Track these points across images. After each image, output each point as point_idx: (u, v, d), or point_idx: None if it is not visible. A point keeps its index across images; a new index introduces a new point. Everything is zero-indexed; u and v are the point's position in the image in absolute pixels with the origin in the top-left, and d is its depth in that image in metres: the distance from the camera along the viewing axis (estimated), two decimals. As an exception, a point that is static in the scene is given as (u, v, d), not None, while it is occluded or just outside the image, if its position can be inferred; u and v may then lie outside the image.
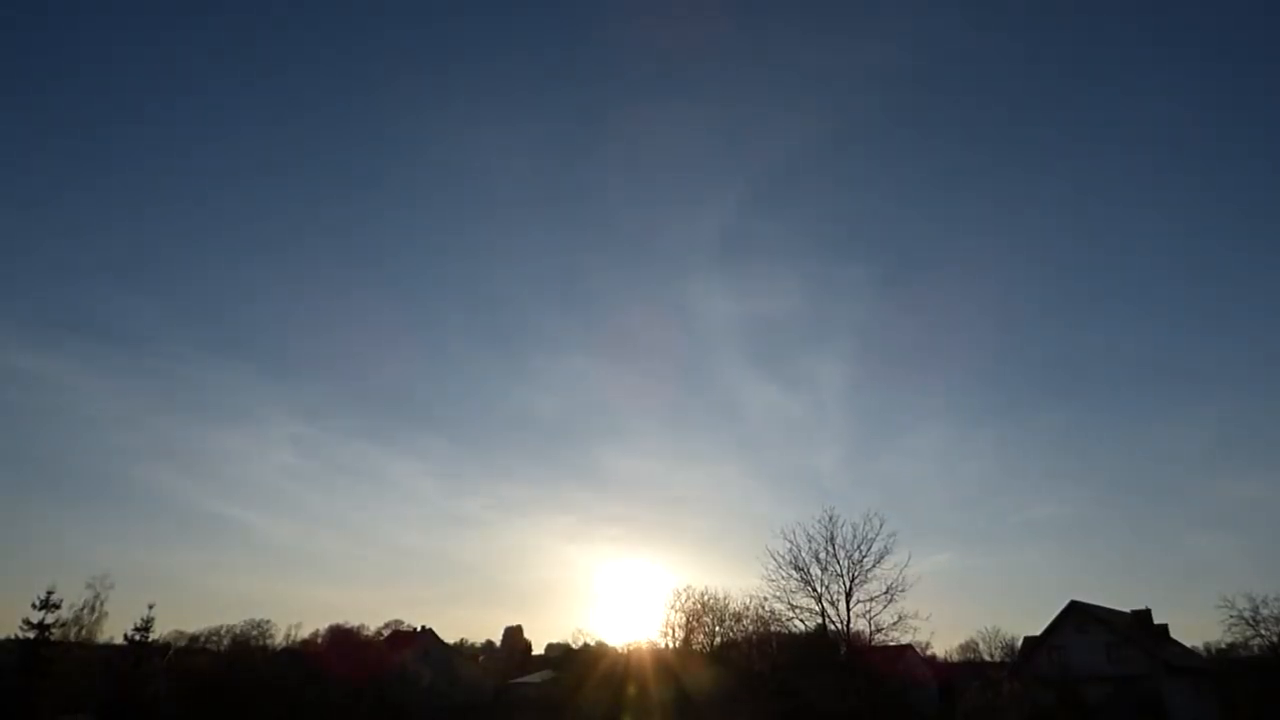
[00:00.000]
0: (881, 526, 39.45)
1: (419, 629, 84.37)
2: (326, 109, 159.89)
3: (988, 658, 78.99)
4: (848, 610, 39.22)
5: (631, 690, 52.51)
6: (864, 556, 39.18)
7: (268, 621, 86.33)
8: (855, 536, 39.65)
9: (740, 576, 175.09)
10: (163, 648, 61.91)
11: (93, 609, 45.58)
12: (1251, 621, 49.62)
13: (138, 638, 48.40)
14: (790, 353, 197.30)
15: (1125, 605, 56.38)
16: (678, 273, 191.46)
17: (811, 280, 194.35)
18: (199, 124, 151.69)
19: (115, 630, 50.72)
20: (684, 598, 61.15)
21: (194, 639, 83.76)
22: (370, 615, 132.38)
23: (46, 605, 43.13)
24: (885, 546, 38.96)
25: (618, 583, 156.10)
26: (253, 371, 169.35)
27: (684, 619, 60.51)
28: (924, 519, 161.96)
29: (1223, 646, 64.69)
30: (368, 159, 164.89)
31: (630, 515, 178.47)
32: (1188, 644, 57.54)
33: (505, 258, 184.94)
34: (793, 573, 40.51)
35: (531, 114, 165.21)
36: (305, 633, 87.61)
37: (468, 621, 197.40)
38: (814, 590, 40.10)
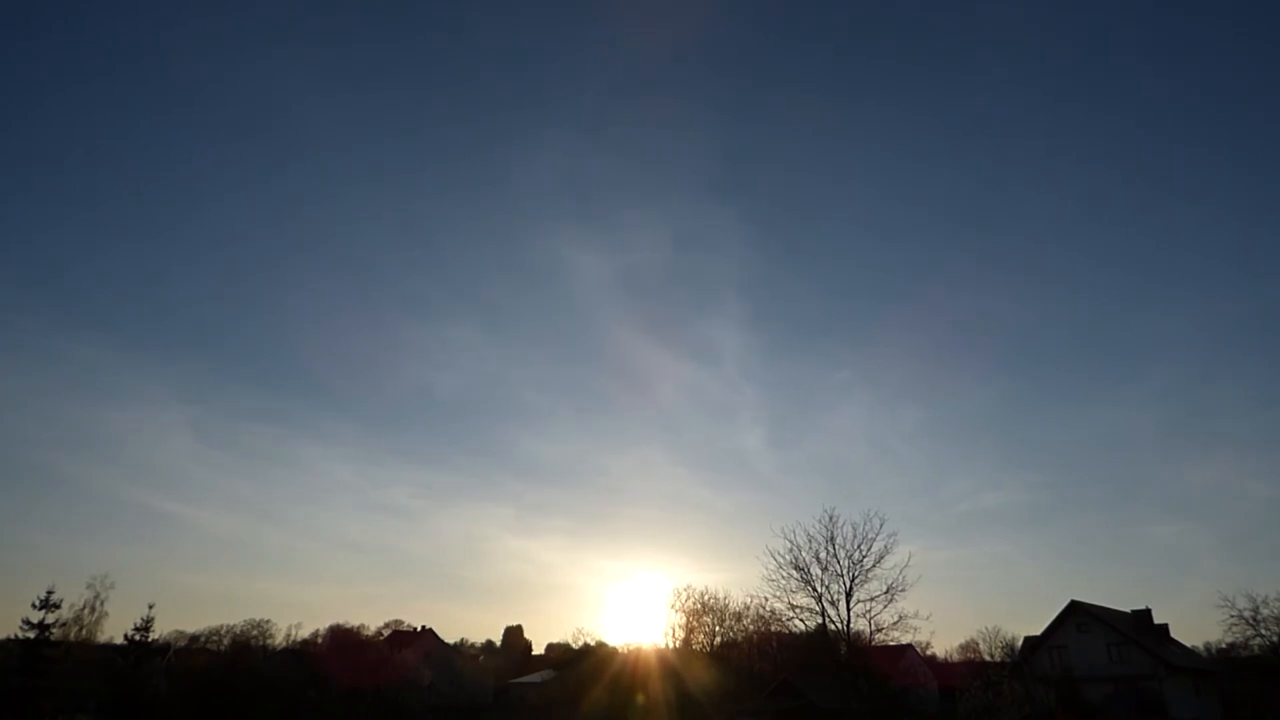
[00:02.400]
0: (882, 526, 39.44)
1: (419, 629, 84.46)
2: (165, 67, 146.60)
3: (988, 658, 78.91)
4: (848, 610, 39.14)
5: (632, 690, 52.51)
6: (864, 556, 39.11)
7: (268, 621, 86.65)
8: (855, 536, 39.62)
9: (694, 571, 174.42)
10: (163, 648, 61.90)
11: (92, 609, 45.60)
12: (1251, 621, 49.68)
13: (138, 638, 48.35)
14: (679, 317, 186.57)
15: (1125, 605, 56.53)
16: (530, 220, 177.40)
17: (679, 226, 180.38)
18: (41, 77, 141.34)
19: (115, 630, 50.90)
20: (684, 598, 61.31)
21: (194, 639, 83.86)
22: (370, 615, 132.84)
23: (46, 605, 43.10)
24: (885, 546, 38.91)
25: (574, 578, 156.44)
26: (115, 346, 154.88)
27: (684, 619, 60.65)
28: (870, 507, 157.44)
29: (1223, 646, 64.79)
30: (214, 119, 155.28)
31: (569, 506, 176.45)
32: (1188, 644, 57.56)
33: (356, 219, 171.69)
34: (793, 572, 40.40)
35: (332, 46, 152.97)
36: (305, 633, 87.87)
37: (468, 622, 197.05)
38: (814, 590, 39.97)
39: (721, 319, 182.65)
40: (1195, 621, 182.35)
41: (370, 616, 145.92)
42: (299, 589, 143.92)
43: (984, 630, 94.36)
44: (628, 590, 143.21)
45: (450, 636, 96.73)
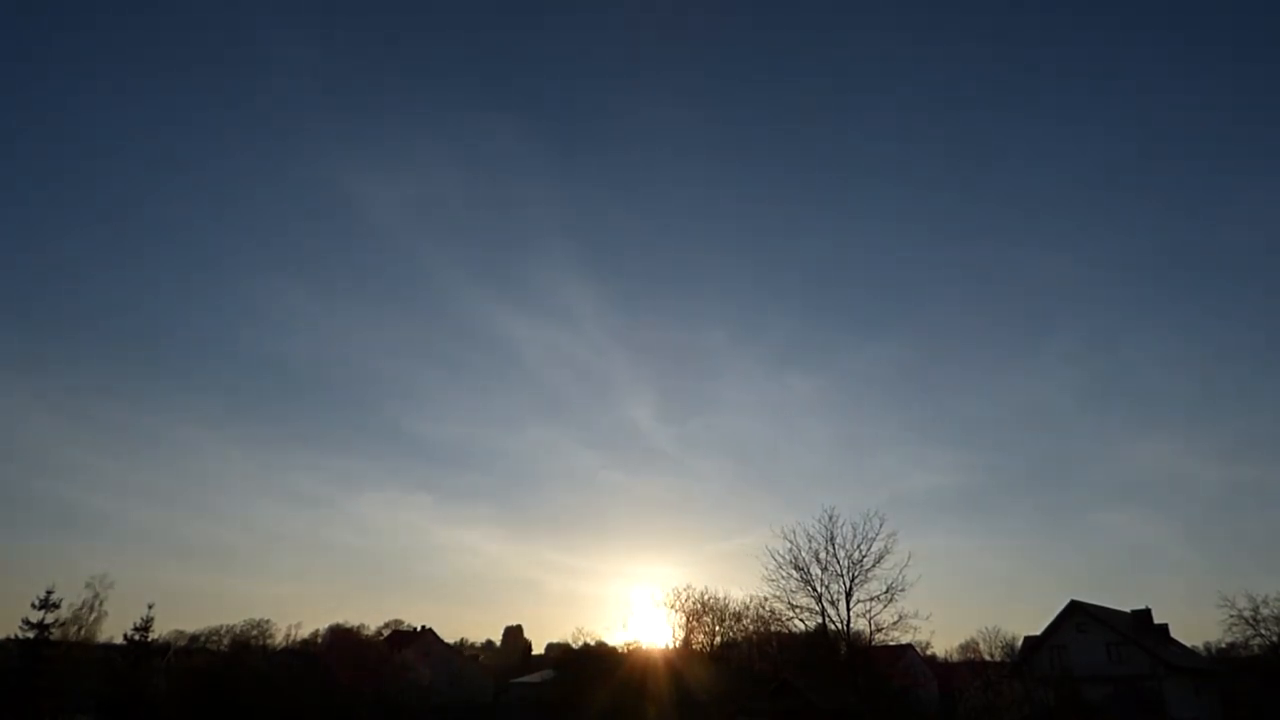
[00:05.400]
0: (881, 526, 39.49)
1: (419, 629, 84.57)
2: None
3: (988, 658, 79.09)
4: (848, 610, 39.16)
5: (632, 690, 52.47)
6: (864, 556, 39.13)
7: (268, 621, 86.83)
8: (855, 536, 39.66)
9: (640, 563, 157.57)
10: (162, 648, 61.93)
11: (91, 609, 45.55)
12: (1251, 621, 49.67)
13: (137, 638, 48.36)
14: (502, 259, 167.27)
15: (1125, 605, 56.58)
16: (294, 141, 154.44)
17: (457, 139, 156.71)
18: None
19: (114, 630, 50.87)
20: (684, 598, 61.28)
21: (194, 639, 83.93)
22: (370, 615, 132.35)
23: (46, 605, 43.14)
24: (885, 546, 38.95)
25: (527, 572, 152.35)
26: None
27: (684, 619, 60.62)
28: (796, 493, 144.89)
29: (1223, 646, 64.77)
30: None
31: (489, 492, 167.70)
32: (1188, 644, 57.57)
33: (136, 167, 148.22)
34: (793, 572, 40.47)
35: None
36: (305, 633, 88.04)
37: (467, 621, 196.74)
38: (814, 590, 40.01)
39: (555, 266, 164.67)
40: (1195, 621, 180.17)
41: (370, 616, 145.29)
42: (236, 582, 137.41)
43: (984, 630, 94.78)
44: (584, 586, 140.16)
45: (451, 637, 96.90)
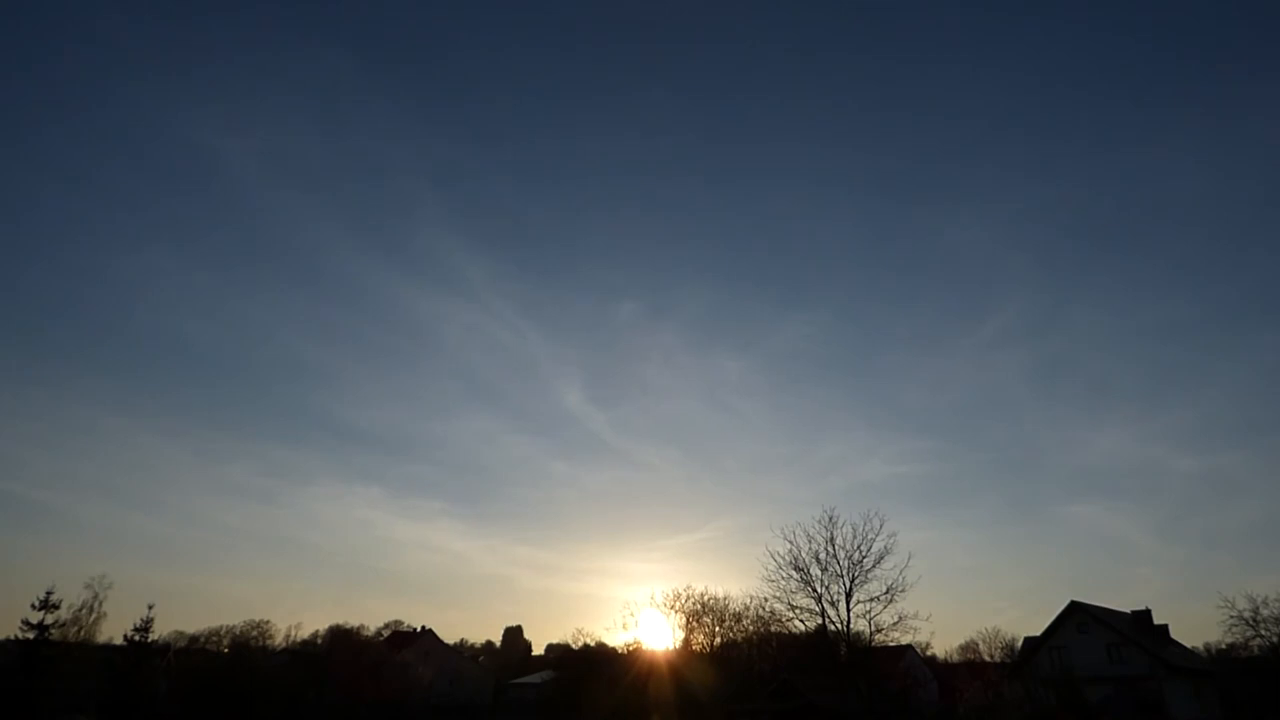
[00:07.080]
0: (881, 527, 39.53)
1: (419, 629, 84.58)
2: None
3: (988, 658, 79.03)
4: (848, 610, 39.19)
5: (632, 690, 52.46)
6: (864, 557, 39.17)
7: (268, 622, 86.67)
8: (855, 537, 39.69)
9: (610, 559, 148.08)
10: (163, 648, 61.93)
11: (91, 609, 45.50)
12: (1251, 622, 49.59)
13: (137, 638, 48.37)
14: (378, 219, 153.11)
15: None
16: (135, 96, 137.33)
17: (319, 95, 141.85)
18: None
19: (114, 630, 50.88)
20: (684, 598, 61.22)
21: (194, 639, 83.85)
22: (370, 615, 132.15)
23: (46, 605, 43.14)
24: (885, 547, 38.99)
25: (499, 569, 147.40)
26: None
27: (684, 619, 60.56)
28: (746, 483, 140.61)
29: (1223, 647, 64.75)
30: None
31: (439, 485, 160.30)
32: (1188, 644, 57.55)
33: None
34: (793, 573, 40.48)
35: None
36: (305, 633, 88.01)
37: (468, 622, 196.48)
38: (814, 590, 40.03)
39: (435, 227, 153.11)
40: (1183, 618, 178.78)
41: (370, 617, 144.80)
42: (202, 581, 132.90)
43: (984, 630, 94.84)
44: (561, 583, 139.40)
45: (451, 637, 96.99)
